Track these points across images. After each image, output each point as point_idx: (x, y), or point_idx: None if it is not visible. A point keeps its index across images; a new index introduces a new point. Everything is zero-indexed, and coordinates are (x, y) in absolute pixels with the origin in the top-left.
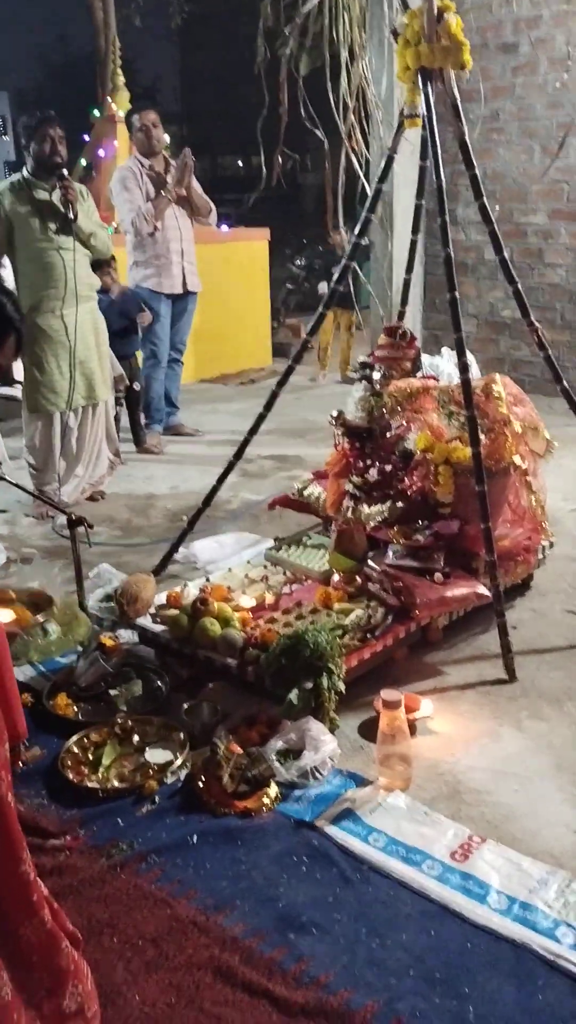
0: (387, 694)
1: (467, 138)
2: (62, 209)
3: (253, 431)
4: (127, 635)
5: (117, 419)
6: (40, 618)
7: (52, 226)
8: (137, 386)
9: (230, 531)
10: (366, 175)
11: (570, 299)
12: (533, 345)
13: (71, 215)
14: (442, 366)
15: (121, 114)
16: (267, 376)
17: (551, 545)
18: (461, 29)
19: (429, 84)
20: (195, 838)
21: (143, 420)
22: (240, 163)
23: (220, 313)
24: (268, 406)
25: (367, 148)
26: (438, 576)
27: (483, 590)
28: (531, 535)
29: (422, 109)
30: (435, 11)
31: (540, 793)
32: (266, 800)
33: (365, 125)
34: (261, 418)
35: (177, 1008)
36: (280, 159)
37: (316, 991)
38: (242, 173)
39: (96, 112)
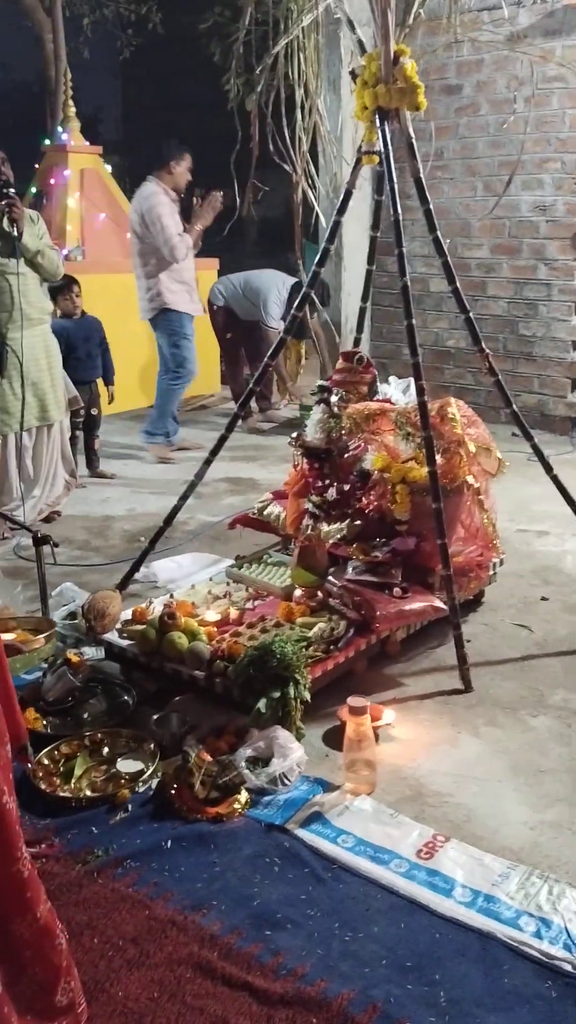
0: (354, 700)
1: (421, 175)
2: (6, 227)
3: (215, 452)
4: (91, 652)
5: (74, 441)
6: (43, 640)
7: None
8: (95, 411)
9: (188, 552)
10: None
11: (511, 330)
12: (477, 374)
13: (15, 232)
14: (389, 393)
15: (73, 144)
16: (218, 402)
17: (501, 562)
18: (416, 72)
19: (386, 123)
20: (169, 843)
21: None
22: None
23: None
24: (230, 427)
25: (315, 183)
26: (396, 591)
27: (440, 604)
28: (483, 552)
29: (380, 146)
30: (392, 55)
31: (498, 795)
32: (237, 806)
33: (316, 160)
34: (223, 439)
35: (160, 1002)
36: (251, 191)
37: (294, 982)
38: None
39: (47, 141)
